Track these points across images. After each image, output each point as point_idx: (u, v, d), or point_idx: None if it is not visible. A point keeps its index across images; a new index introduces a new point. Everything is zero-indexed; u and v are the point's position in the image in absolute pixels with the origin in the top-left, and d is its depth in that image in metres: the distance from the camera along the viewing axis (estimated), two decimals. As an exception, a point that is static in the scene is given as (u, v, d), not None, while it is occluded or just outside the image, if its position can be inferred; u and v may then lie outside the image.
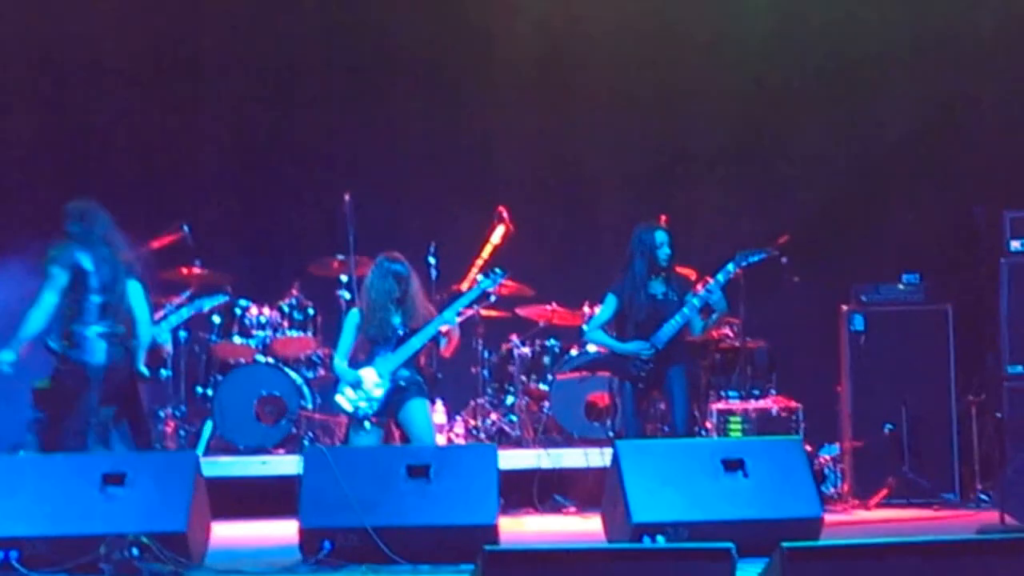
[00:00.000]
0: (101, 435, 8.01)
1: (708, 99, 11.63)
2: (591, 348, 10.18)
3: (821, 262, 10.71)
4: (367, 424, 8.55)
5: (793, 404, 9.82)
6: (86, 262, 8.00)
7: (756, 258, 8.76)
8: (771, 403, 9.87)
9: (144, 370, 8.18)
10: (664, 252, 8.64)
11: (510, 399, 10.65)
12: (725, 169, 11.68)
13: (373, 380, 8.52)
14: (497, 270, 9.06)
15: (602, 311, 8.90)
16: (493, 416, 10.49)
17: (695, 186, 11.71)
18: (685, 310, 8.56)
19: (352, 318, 8.73)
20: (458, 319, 8.77)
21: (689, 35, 11.60)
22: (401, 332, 8.58)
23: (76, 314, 7.98)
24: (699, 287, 8.74)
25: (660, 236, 8.67)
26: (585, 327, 9.68)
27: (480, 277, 9.18)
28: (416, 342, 8.57)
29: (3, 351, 7.96)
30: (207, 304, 9.43)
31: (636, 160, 11.74)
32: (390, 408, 8.56)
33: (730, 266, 8.63)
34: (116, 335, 8.04)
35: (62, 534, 6.94)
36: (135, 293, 8.18)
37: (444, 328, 8.62)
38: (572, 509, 9.42)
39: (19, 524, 6.96)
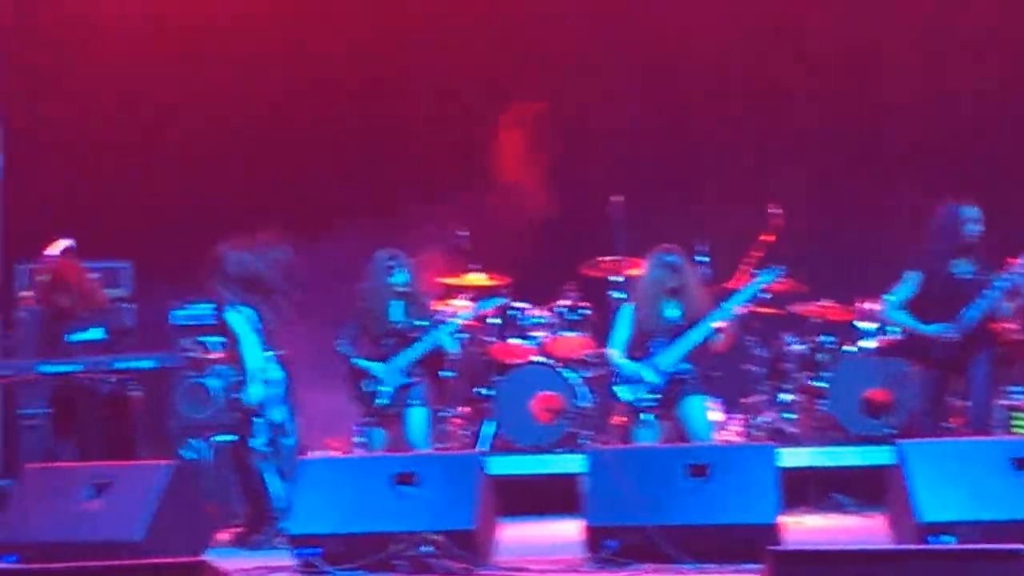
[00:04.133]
0: None
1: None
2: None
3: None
4: (647, 417, 8.63)
5: (1083, 399, 9.49)
6: None
7: None
8: (1059, 398, 9.55)
9: None
10: (971, 228, 8.17)
11: (785, 396, 10.59)
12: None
13: (652, 373, 8.59)
14: (775, 267, 9.03)
15: (902, 288, 8.46)
16: (769, 414, 10.46)
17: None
18: (993, 290, 8.13)
19: (626, 311, 8.80)
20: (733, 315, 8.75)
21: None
22: (680, 325, 8.61)
23: None
24: (1011, 267, 8.15)
25: (968, 211, 8.22)
26: (883, 304, 8.89)
27: (759, 271, 9.14)
28: (696, 335, 8.57)
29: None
30: (485, 306, 9.67)
31: (902, 145, 11.54)
32: (669, 402, 8.61)
33: None
34: None
35: (359, 532, 7.24)
36: None
37: (721, 323, 8.61)
38: (852, 508, 9.32)
39: (321, 523, 7.30)
